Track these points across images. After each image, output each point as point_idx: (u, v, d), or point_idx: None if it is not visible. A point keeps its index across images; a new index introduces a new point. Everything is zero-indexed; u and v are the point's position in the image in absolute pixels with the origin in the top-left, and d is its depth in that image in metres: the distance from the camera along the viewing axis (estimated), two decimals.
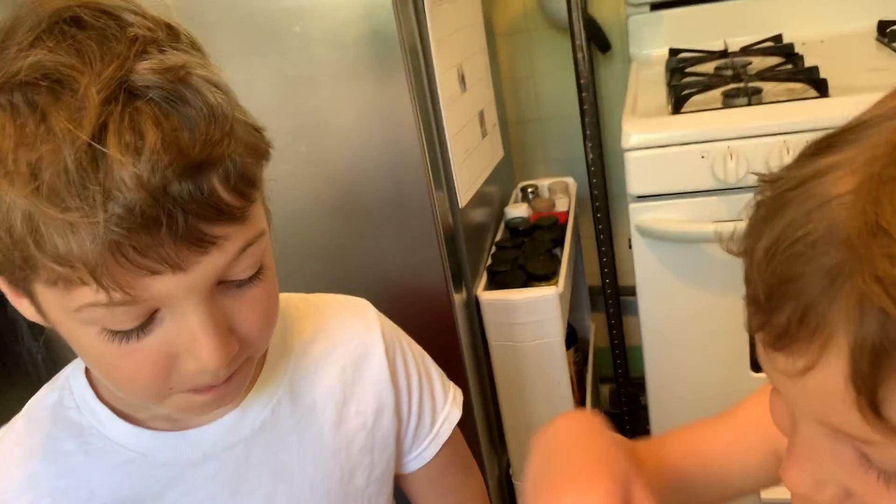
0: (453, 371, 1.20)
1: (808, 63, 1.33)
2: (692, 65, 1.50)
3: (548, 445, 0.52)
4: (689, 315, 1.35)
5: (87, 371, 0.59)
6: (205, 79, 0.43)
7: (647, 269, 1.33)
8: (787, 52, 1.44)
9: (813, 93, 1.22)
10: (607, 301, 1.86)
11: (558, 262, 1.30)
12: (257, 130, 0.48)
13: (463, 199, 1.19)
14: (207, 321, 0.45)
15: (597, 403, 1.77)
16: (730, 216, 1.23)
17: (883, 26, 1.51)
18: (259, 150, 0.47)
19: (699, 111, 1.26)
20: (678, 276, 1.31)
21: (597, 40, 1.75)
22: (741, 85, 1.29)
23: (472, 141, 1.28)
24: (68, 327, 0.46)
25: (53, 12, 0.42)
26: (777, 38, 1.56)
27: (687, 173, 1.23)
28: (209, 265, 0.44)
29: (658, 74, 1.57)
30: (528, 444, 0.55)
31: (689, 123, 1.23)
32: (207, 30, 1.06)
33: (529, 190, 1.62)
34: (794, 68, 1.35)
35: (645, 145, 1.23)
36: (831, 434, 0.36)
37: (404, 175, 1.10)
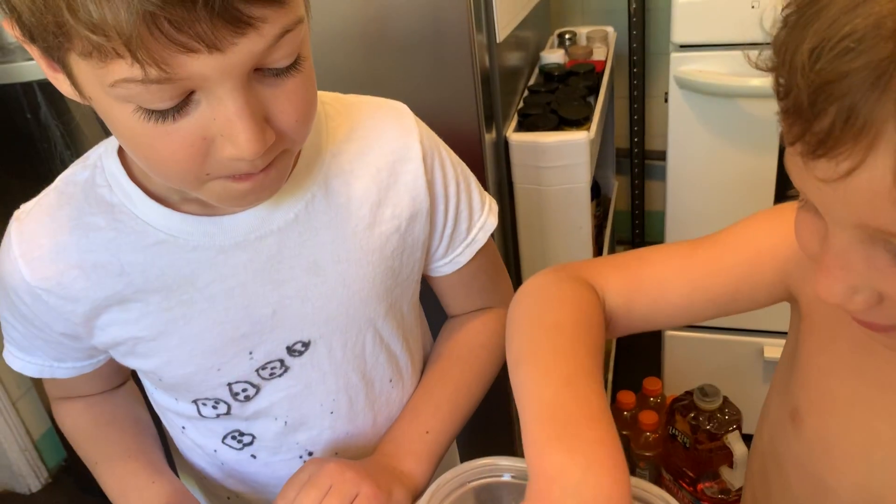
0: None
1: None
2: None
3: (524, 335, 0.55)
4: (718, 177, 1.34)
5: (119, 151, 0.59)
6: None
7: (681, 125, 1.31)
8: None
9: None
10: (633, 161, 1.85)
11: (591, 108, 1.27)
12: None
13: (501, 34, 1.16)
14: (244, 107, 0.45)
15: None
16: None
17: None
18: None
19: None
20: (713, 132, 1.30)
21: None
22: None
23: None
24: (104, 104, 0.45)
25: None
26: None
27: (734, 23, 1.18)
28: (246, 48, 0.42)
29: None
30: None
31: None
32: None
33: (567, 37, 1.57)
34: None
35: None
36: (867, 239, 0.37)
37: (444, 4, 1.06)
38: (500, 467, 0.56)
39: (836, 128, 0.32)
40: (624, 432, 1.55)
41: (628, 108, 1.81)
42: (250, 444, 0.68)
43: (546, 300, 0.57)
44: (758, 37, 1.18)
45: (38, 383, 1.66)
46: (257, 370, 0.63)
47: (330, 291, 0.62)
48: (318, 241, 0.61)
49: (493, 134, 1.22)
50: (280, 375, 0.64)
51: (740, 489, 1.28)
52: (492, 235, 0.71)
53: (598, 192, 1.61)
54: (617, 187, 1.89)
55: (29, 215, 0.59)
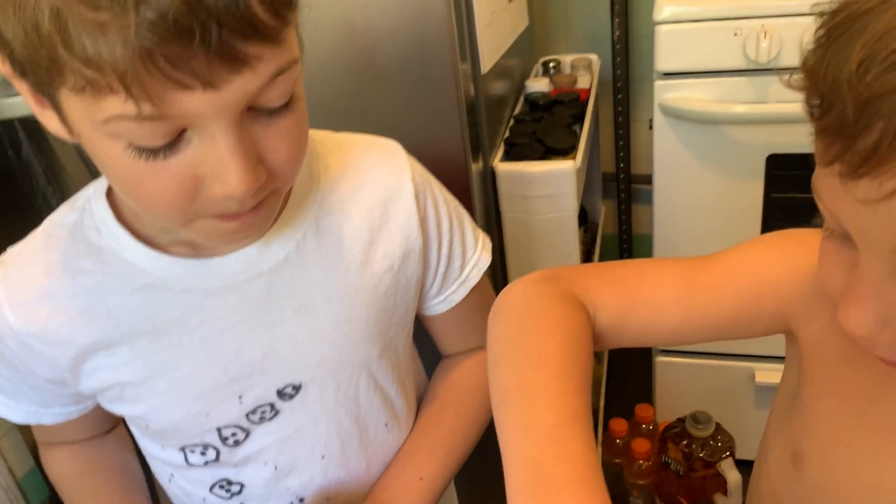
0: None
1: None
2: None
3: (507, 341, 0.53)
4: (704, 202, 1.35)
5: (108, 193, 0.58)
6: None
7: (666, 151, 1.32)
8: None
9: None
10: (619, 186, 1.85)
11: (577, 137, 1.28)
12: None
13: (486, 64, 1.16)
14: (236, 145, 0.44)
15: None
16: (758, 98, 1.20)
17: None
18: None
19: None
20: (697, 158, 1.30)
21: None
22: None
23: (497, 3, 1.23)
24: (94, 141, 0.45)
25: None
26: None
27: (717, 51, 1.19)
28: (241, 87, 0.42)
29: None
30: None
31: None
32: None
33: (551, 65, 1.58)
34: None
35: (677, 19, 1.19)
36: None
37: (428, 36, 1.06)
38: None
39: (884, 144, 0.31)
40: (616, 460, 1.53)
41: (613, 134, 1.81)
42: (239, 493, 0.66)
43: (531, 322, 0.53)
44: (741, 64, 1.19)
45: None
46: (247, 414, 0.62)
47: (321, 333, 0.61)
48: (309, 282, 0.60)
49: (480, 164, 1.22)
50: (270, 419, 0.63)
51: None
52: (486, 273, 0.71)
53: (585, 219, 1.61)
54: (604, 212, 1.89)
55: (15, 259, 0.58)
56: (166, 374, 0.59)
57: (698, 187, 1.33)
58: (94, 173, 1.17)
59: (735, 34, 1.17)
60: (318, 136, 0.64)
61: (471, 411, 0.72)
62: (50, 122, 0.47)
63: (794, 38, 1.13)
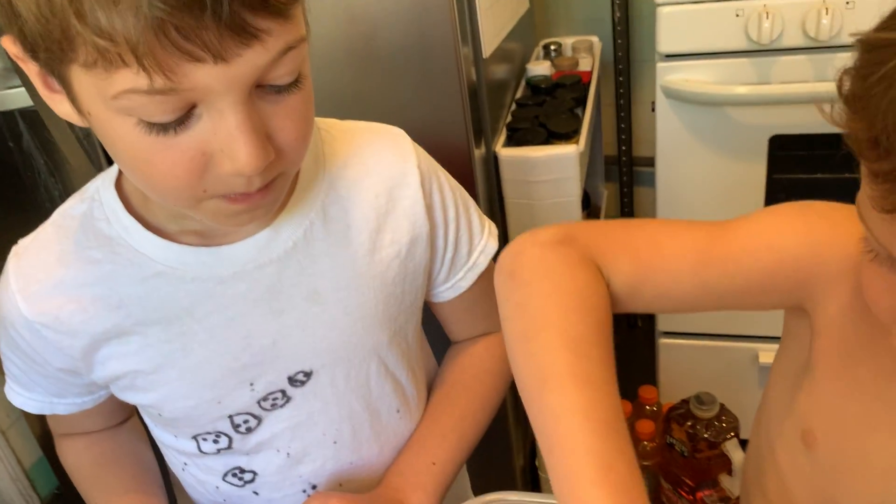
0: None
1: None
2: None
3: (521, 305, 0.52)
4: (707, 184, 1.34)
5: (117, 184, 0.59)
6: None
7: (668, 133, 1.31)
8: None
9: None
10: (621, 169, 1.85)
11: (579, 121, 1.27)
12: None
13: (487, 48, 1.16)
14: (245, 121, 0.44)
15: None
16: (758, 79, 1.20)
17: None
18: None
19: None
20: (699, 140, 1.30)
21: None
22: None
23: None
24: (103, 120, 0.45)
25: None
26: None
27: (719, 32, 1.19)
28: (251, 60, 0.42)
29: None
30: None
31: None
32: None
33: (552, 48, 1.57)
34: None
35: (679, 0, 1.18)
36: None
37: (430, 20, 1.06)
38: (509, 503, 0.55)
39: None
40: None
41: (615, 116, 1.81)
42: (252, 480, 0.67)
43: (558, 297, 0.52)
44: (743, 45, 1.18)
45: (27, 412, 1.65)
46: (258, 401, 0.62)
47: (331, 320, 0.61)
48: (318, 269, 0.60)
49: (483, 149, 1.22)
50: (282, 406, 0.63)
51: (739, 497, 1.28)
52: (493, 260, 0.71)
53: (587, 203, 1.61)
54: (606, 195, 1.89)
55: (27, 250, 0.59)
56: (178, 363, 0.59)
57: (701, 169, 1.33)
58: (96, 165, 1.17)
59: (737, 15, 1.16)
60: (324, 124, 0.64)
61: (481, 396, 0.72)
62: (59, 105, 0.47)
63: (796, 18, 1.13)
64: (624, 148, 1.81)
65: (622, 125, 1.78)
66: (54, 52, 0.41)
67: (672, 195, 1.39)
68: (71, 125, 1.15)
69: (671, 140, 1.32)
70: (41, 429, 1.67)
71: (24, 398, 0.65)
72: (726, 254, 0.54)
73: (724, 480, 1.31)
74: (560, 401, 0.47)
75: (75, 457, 0.71)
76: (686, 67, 1.24)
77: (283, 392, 0.63)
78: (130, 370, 0.60)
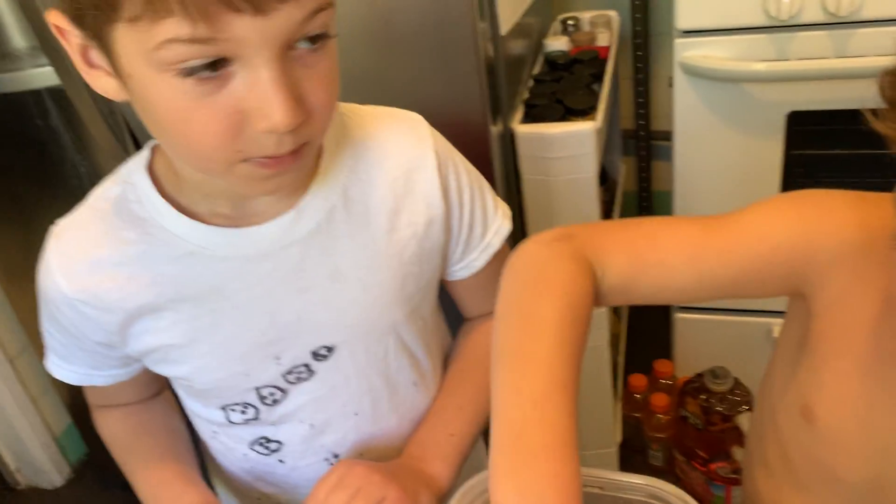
0: None
1: None
2: None
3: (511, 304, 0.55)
4: (724, 159, 1.35)
5: (149, 167, 0.61)
6: None
7: (686, 109, 1.32)
8: None
9: None
10: (639, 144, 1.85)
11: (597, 97, 1.28)
12: None
13: (505, 25, 1.16)
14: (279, 77, 0.47)
15: None
16: (779, 55, 1.20)
17: None
18: None
19: None
20: (717, 116, 1.30)
21: None
22: None
23: None
24: (142, 80, 0.47)
25: None
26: None
27: (738, 7, 1.18)
28: (286, 15, 0.45)
29: None
30: None
31: None
32: None
33: (570, 23, 1.57)
34: None
35: None
36: None
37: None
38: None
39: None
40: (636, 414, 1.57)
41: (633, 90, 1.81)
42: (277, 450, 0.70)
43: (534, 284, 0.55)
44: (762, 21, 1.18)
45: (57, 380, 1.69)
46: (284, 375, 0.65)
47: (351, 297, 0.64)
48: (339, 249, 0.63)
49: (500, 126, 1.23)
50: (306, 379, 0.66)
51: None
52: (506, 240, 0.73)
53: (605, 178, 1.62)
54: (624, 169, 1.89)
55: (65, 231, 0.62)
56: (208, 337, 0.62)
57: (718, 145, 1.33)
58: (121, 142, 1.18)
59: None
60: (346, 108, 0.66)
61: None
62: (98, 80, 0.50)
63: None
64: (642, 122, 1.81)
65: (640, 100, 1.78)
66: (101, 12, 0.44)
67: (690, 170, 1.39)
68: (97, 103, 1.18)
69: (689, 116, 1.32)
70: (70, 397, 1.72)
71: (65, 370, 0.69)
72: (721, 245, 0.56)
73: (737, 453, 1.33)
74: (499, 375, 0.51)
75: (111, 427, 0.74)
76: (704, 44, 1.23)
77: (307, 366, 0.66)
78: (164, 344, 0.63)
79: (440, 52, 1.11)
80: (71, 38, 0.49)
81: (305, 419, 0.68)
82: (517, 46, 1.32)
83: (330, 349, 0.65)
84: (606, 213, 1.65)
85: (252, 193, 0.59)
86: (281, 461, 0.71)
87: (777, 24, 1.17)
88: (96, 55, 0.49)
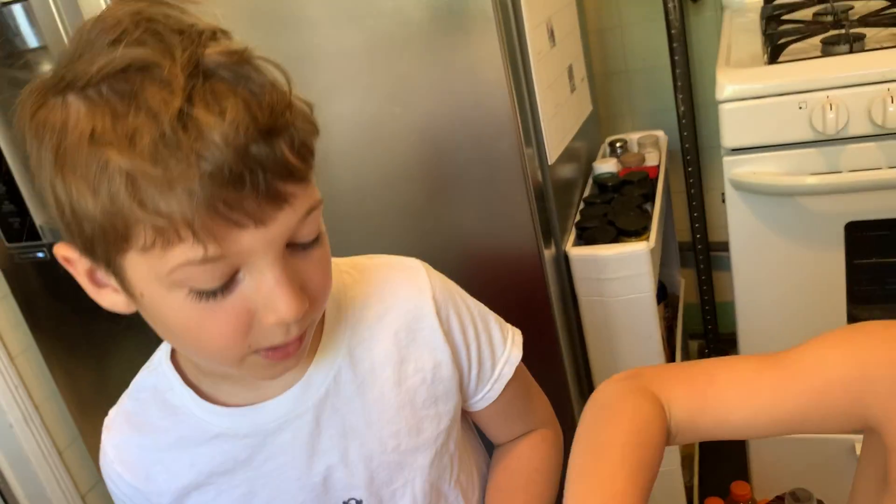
0: (543, 326, 1.23)
1: None
2: (789, 11, 1.45)
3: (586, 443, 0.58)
4: (783, 270, 1.33)
5: (172, 358, 0.66)
6: (264, 59, 0.50)
7: (740, 224, 1.31)
8: None
9: None
10: (697, 256, 1.84)
11: (649, 217, 1.29)
12: (309, 107, 0.52)
13: (552, 155, 1.20)
14: (282, 275, 0.50)
15: (686, 359, 1.76)
16: (828, 168, 1.19)
17: None
18: (313, 123, 0.52)
19: (797, 60, 1.22)
20: (773, 229, 1.29)
21: None
22: (842, 31, 1.23)
23: (561, 96, 1.28)
24: (155, 297, 0.50)
25: (134, 12, 0.48)
26: None
27: (783, 125, 1.20)
28: (283, 222, 0.49)
29: (752, 22, 1.52)
30: None
31: (787, 73, 1.20)
32: None
33: (618, 144, 1.60)
34: None
35: (740, 96, 1.20)
36: None
37: (494, 133, 1.11)
38: None
39: None
40: None
41: (687, 204, 1.81)
42: None
43: (604, 416, 0.60)
44: (809, 136, 1.19)
45: (85, 434, 1.70)
46: None
47: (368, 453, 0.67)
48: (350, 409, 0.66)
49: (552, 249, 1.24)
50: None
51: None
52: (520, 364, 0.75)
53: (664, 293, 1.61)
54: (684, 282, 1.87)
55: (113, 422, 0.68)
56: None
57: (777, 258, 1.32)
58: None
59: (800, 107, 1.17)
60: (342, 265, 0.70)
61: (536, 494, 0.75)
62: (105, 297, 0.54)
63: (861, 107, 1.13)
64: (698, 236, 1.80)
65: (695, 213, 1.78)
66: (112, 244, 0.48)
67: (749, 283, 1.37)
68: None
69: (744, 231, 1.31)
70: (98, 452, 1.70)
71: None
72: (774, 381, 0.57)
73: None
74: (568, 496, 0.54)
75: None
76: (753, 160, 1.24)
77: None
78: None
79: (489, 182, 1.15)
80: (78, 265, 0.53)
81: None
82: (566, 171, 1.36)
83: (359, 502, 0.68)
84: (669, 330, 1.62)
85: (263, 379, 0.63)
86: None
87: (824, 139, 1.17)
88: (103, 275, 0.52)
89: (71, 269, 0.54)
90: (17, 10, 1.22)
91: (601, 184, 1.44)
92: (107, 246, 0.48)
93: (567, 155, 1.33)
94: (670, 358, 1.53)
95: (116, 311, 0.55)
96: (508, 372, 0.73)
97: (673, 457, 1.37)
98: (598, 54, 1.82)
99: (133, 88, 0.45)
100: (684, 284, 1.88)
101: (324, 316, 0.65)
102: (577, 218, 1.35)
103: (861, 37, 1.21)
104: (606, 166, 1.48)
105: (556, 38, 1.26)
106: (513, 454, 0.78)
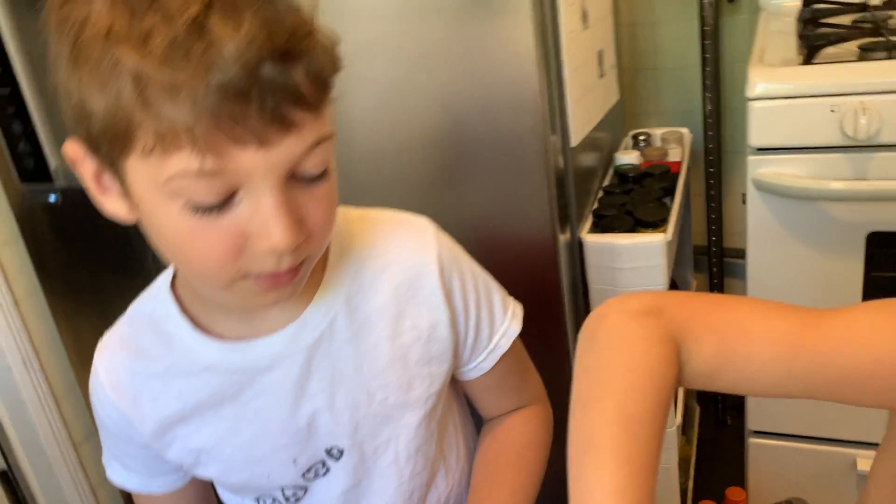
0: (551, 310, 1.21)
1: None
2: (827, 16, 1.42)
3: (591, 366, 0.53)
4: (798, 276, 1.31)
5: (172, 285, 0.65)
6: None
7: (759, 226, 1.29)
8: None
9: None
10: (711, 260, 1.82)
11: (668, 210, 1.27)
12: (334, 41, 0.51)
13: (575, 138, 1.18)
14: (280, 203, 0.49)
15: None
16: (854, 175, 1.17)
17: None
18: (335, 57, 0.51)
19: (832, 62, 1.20)
20: (792, 234, 1.27)
21: None
22: (881, 39, 1.21)
23: (589, 80, 1.26)
24: (152, 205, 0.49)
25: None
26: None
27: (813, 127, 1.18)
28: (287, 148, 0.48)
29: (788, 26, 1.49)
30: None
31: (821, 75, 1.17)
32: None
33: (641, 138, 1.59)
34: None
35: (771, 95, 1.18)
36: None
37: (518, 109, 1.10)
38: None
39: None
40: None
41: (705, 207, 1.79)
42: None
43: (627, 372, 0.52)
44: (838, 140, 1.16)
45: (83, 384, 1.69)
46: (303, 474, 0.68)
47: (354, 402, 0.66)
48: (342, 356, 0.65)
49: (567, 234, 1.23)
50: (324, 475, 0.69)
51: None
52: (517, 339, 0.74)
53: None
54: (695, 286, 1.85)
55: (108, 345, 0.68)
56: (230, 441, 0.66)
57: (794, 264, 1.30)
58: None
59: (832, 110, 1.15)
60: (352, 215, 0.69)
61: (526, 469, 0.75)
62: (108, 204, 0.54)
63: (895, 115, 1.11)
64: (714, 239, 1.78)
65: (713, 216, 1.76)
66: (115, 144, 0.47)
67: (764, 289, 1.35)
68: None
69: (763, 233, 1.29)
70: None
71: (124, 477, 0.73)
72: (819, 347, 0.53)
73: None
74: (597, 475, 0.47)
75: None
76: (778, 161, 1.22)
77: (323, 462, 0.68)
78: (195, 447, 0.67)
79: (509, 159, 1.14)
80: (85, 165, 0.52)
81: None
82: (588, 157, 1.34)
83: (341, 451, 0.68)
84: None
85: (251, 307, 0.62)
86: None
87: (854, 144, 1.15)
88: (109, 179, 0.52)
89: (78, 171, 0.53)
90: None
91: (622, 174, 1.42)
92: (110, 146, 0.48)
93: (590, 141, 1.31)
94: None
95: (118, 220, 0.54)
96: (505, 344, 0.73)
97: (670, 456, 1.36)
98: (628, 49, 1.80)
99: None
100: (696, 287, 1.86)
101: (326, 260, 0.65)
102: (595, 206, 1.34)
103: None
104: (628, 157, 1.46)
105: (588, 21, 1.24)
106: (503, 427, 0.78)
